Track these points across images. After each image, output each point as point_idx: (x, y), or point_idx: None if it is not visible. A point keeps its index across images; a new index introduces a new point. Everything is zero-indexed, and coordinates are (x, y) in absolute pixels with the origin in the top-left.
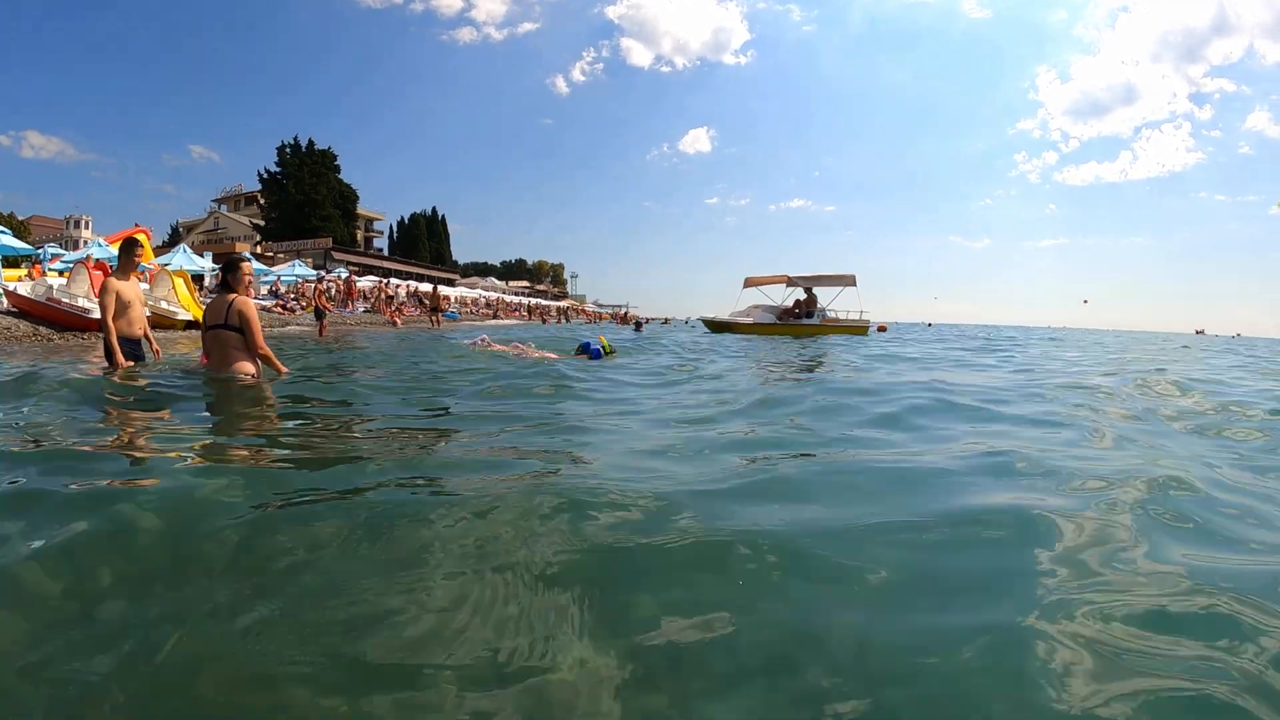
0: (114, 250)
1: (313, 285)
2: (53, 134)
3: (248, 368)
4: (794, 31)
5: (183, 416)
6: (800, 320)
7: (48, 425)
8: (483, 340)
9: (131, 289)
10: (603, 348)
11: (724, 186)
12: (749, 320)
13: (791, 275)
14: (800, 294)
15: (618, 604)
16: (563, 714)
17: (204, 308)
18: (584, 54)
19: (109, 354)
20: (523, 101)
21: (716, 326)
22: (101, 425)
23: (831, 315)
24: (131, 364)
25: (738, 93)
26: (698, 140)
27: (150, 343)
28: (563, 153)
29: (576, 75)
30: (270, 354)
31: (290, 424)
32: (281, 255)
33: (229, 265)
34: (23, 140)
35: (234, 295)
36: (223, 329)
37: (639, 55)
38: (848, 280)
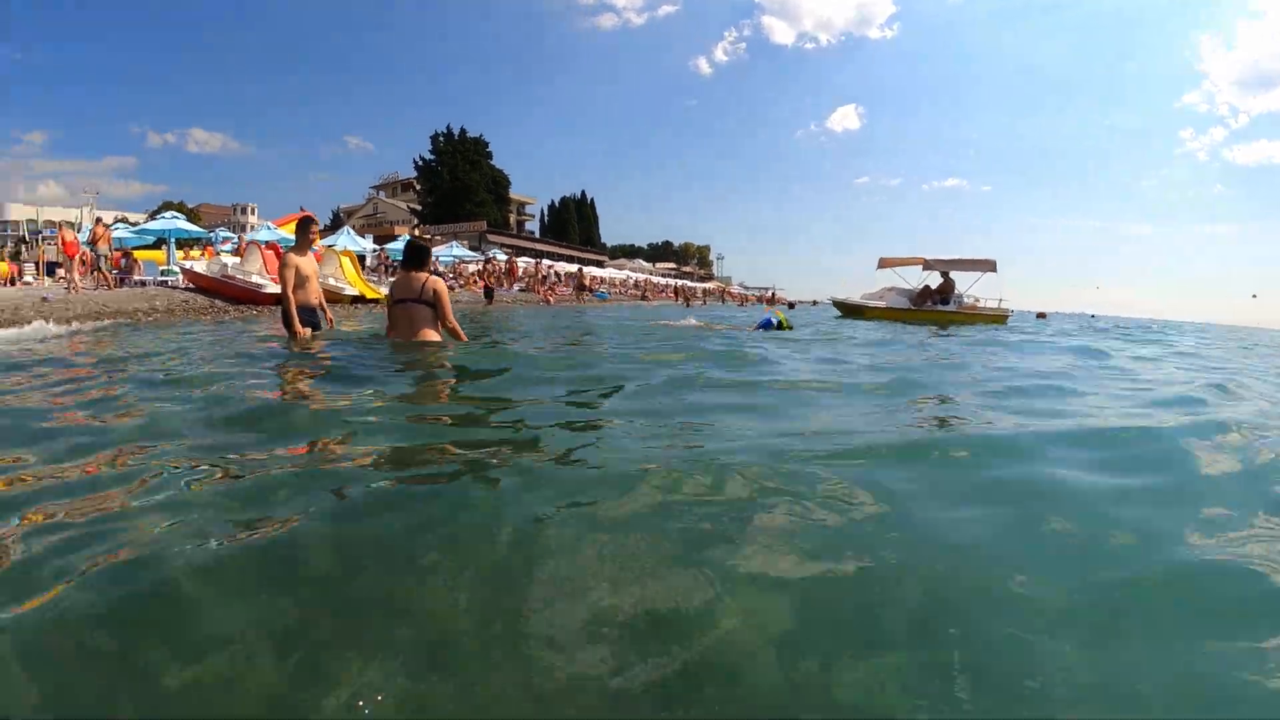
0: (282, 233)
1: (480, 266)
2: (215, 130)
3: (434, 336)
4: (940, 2)
5: (375, 384)
6: (936, 306)
7: (256, 381)
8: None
9: (309, 263)
10: (780, 322)
11: (874, 166)
12: (882, 304)
13: (928, 257)
14: (937, 278)
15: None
16: None
17: (389, 285)
18: (725, 34)
19: (287, 322)
20: (666, 84)
21: (847, 309)
22: (300, 385)
23: (970, 301)
24: (308, 331)
25: (885, 68)
26: (846, 118)
27: (324, 312)
28: (708, 134)
29: (719, 55)
30: (457, 327)
31: (487, 390)
32: (439, 238)
33: (421, 250)
34: (188, 137)
35: (425, 274)
36: (416, 303)
37: (781, 33)
38: (988, 265)
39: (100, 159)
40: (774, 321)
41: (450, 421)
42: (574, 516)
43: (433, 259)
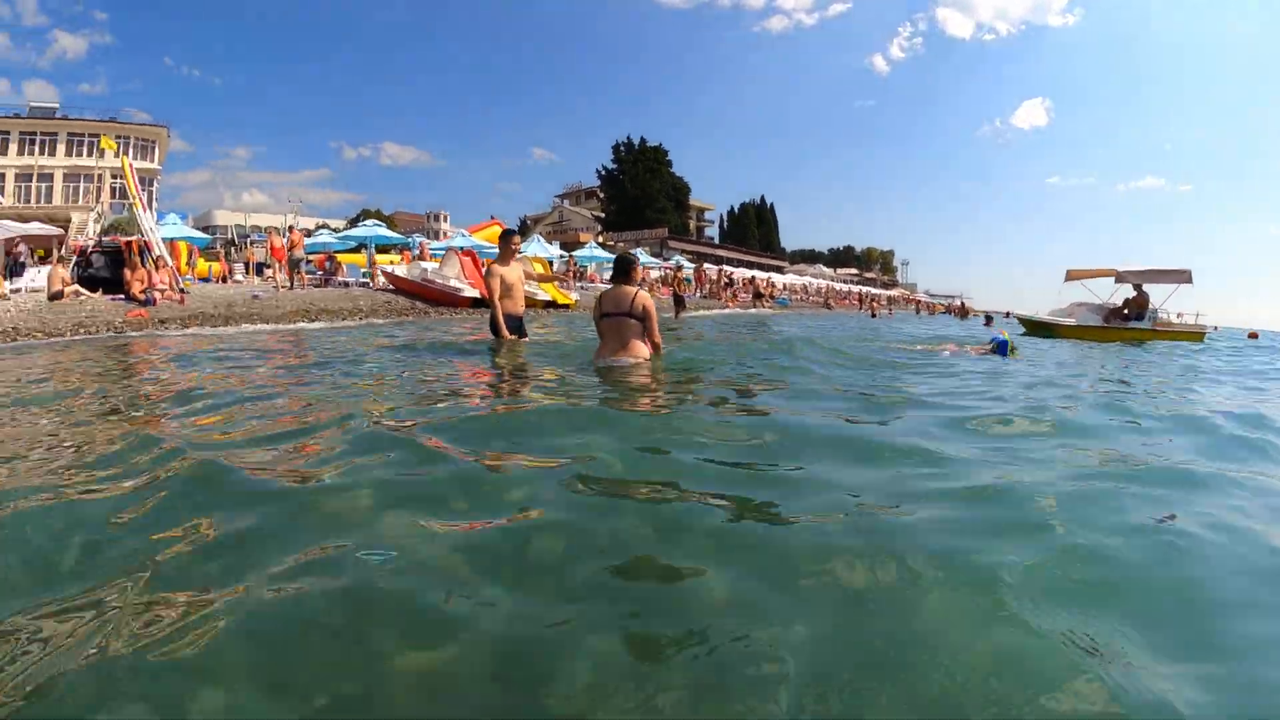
0: (475, 239)
1: (669, 272)
2: (407, 144)
3: (642, 351)
4: None
5: (585, 388)
6: (1129, 323)
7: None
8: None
9: (513, 272)
10: (1010, 346)
11: (1065, 164)
12: (1071, 321)
13: (1120, 269)
14: (1129, 291)
15: None
16: None
17: (578, 290)
18: (900, 29)
19: (494, 328)
20: (842, 84)
21: (1034, 326)
22: (510, 386)
23: (1163, 318)
24: (514, 337)
25: (1069, 57)
26: (1031, 113)
27: (524, 320)
28: (888, 134)
29: (895, 52)
30: (660, 342)
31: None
32: (621, 245)
33: (629, 262)
34: (381, 150)
35: (635, 289)
36: (626, 317)
37: (958, 25)
38: (1183, 276)
39: (299, 171)
40: (1005, 344)
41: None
42: None
43: (641, 267)
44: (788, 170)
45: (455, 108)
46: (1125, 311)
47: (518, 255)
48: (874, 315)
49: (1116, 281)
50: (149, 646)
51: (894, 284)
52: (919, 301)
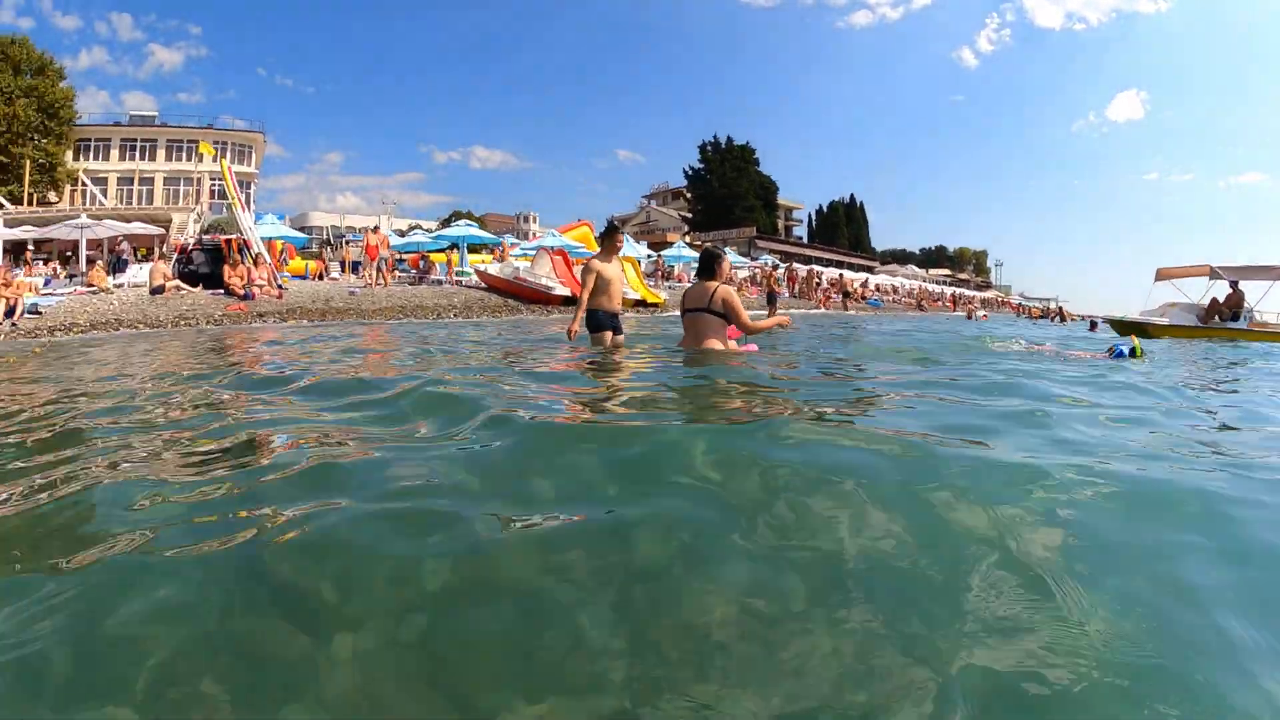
0: (565, 239)
1: (758, 272)
2: (494, 148)
3: (718, 345)
4: None
5: (673, 383)
6: (1225, 324)
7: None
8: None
9: (613, 269)
10: (1135, 349)
11: (1162, 159)
12: (1164, 321)
13: (1215, 266)
14: (1223, 289)
15: None
16: None
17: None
18: (987, 21)
19: (587, 321)
20: (930, 79)
21: (1125, 327)
22: (596, 382)
23: (1258, 318)
24: (609, 334)
25: (1164, 45)
26: (1127, 105)
27: (620, 318)
28: (978, 130)
29: (983, 45)
30: (757, 326)
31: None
32: (707, 243)
33: (711, 257)
34: (470, 154)
35: (715, 283)
36: (704, 313)
37: (1047, 15)
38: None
39: (392, 174)
40: (1127, 350)
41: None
42: None
43: (728, 264)
44: (877, 168)
45: (541, 111)
46: (1219, 311)
47: (619, 254)
48: (970, 317)
49: (1210, 279)
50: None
51: (987, 286)
52: (1017, 306)
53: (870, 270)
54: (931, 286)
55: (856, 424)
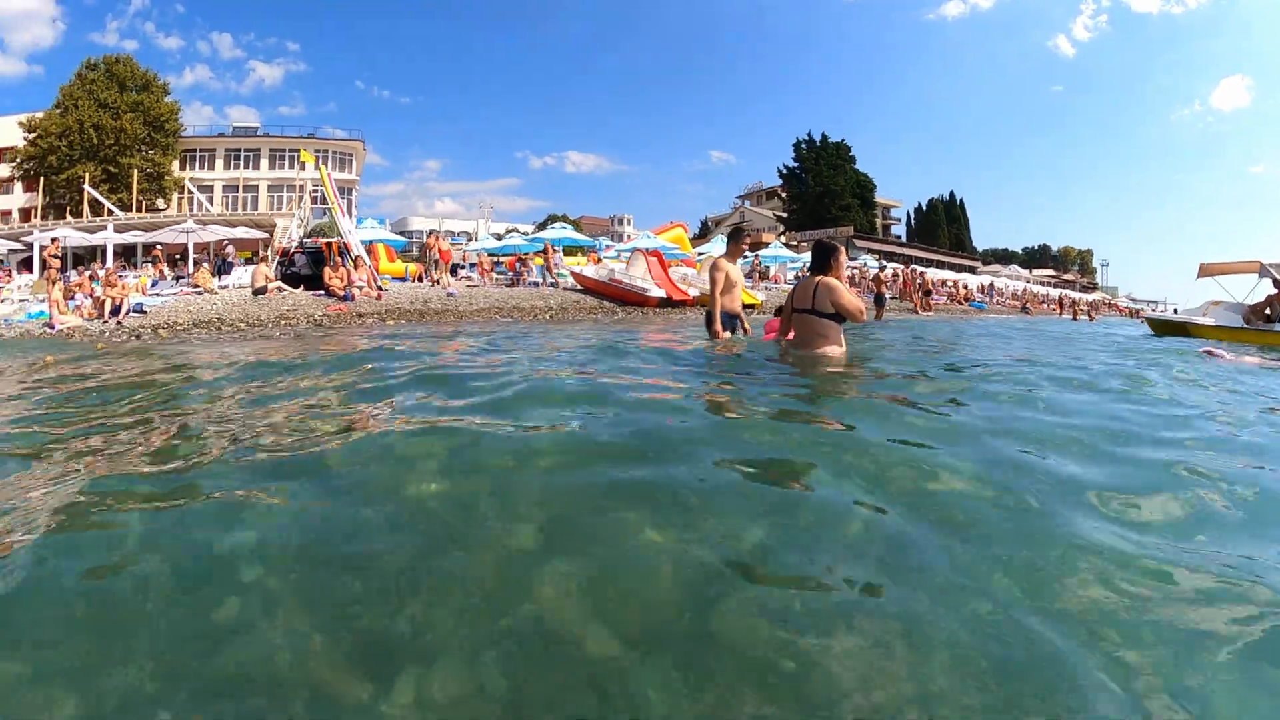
0: (660, 241)
1: (873, 273)
2: (588, 152)
3: (831, 347)
4: None
5: (779, 387)
6: (1273, 325)
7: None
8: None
9: (736, 271)
10: None
11: (1270, 150)
12: (1209, 321)
13: (1265, 263)
14: (1271, 287)
15: None
16: None
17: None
18: (1082, 7)
19: (709, 323)
20: (1026, 70)
21: (1164, 328)
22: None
23: None
24: (729, 334)
25: (1268, 27)
26: (1232, 93)
27: (741, 321)
28: (1079, 121)
29: (1079, 32)
30: (850, 309)
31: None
32: (804, 244)
33: (823, 249)
34: (565, 159)
35: (821, 278)
36: (809, 313)
37: None
38: None
39: (488, 180)
40: None
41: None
42: None
43: (844, 257)
44: (976, 163)
45: (634, 115)
46: (1269, 311)
47: (744, 257)
48: (1089, 318)
49: (1260, 275)
50: None
51: (1093, 287)
52: (1125, 309)
53: (972, 271)
54: (1036, 288)
55: None
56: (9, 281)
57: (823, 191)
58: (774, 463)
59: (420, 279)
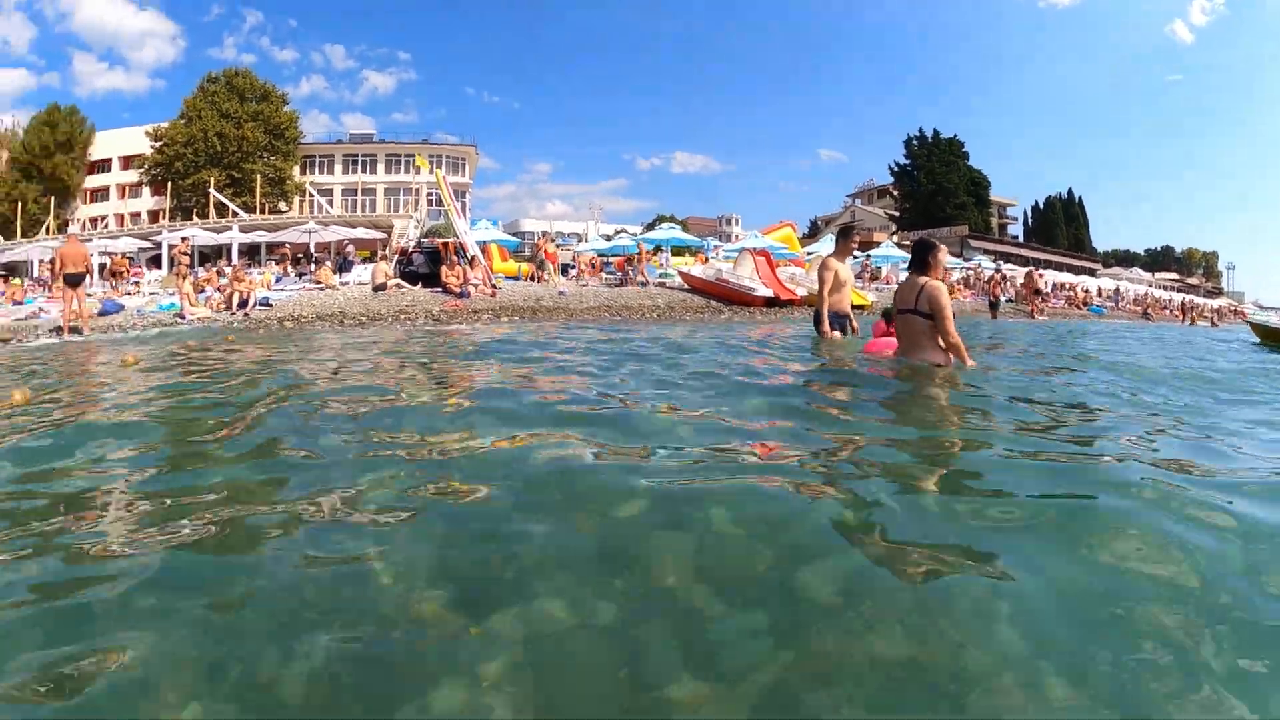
0: (768, 241)
1: (988, 274)
2: (696, 153)
3: (936, 357)
4: None
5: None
6: None
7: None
8: None
9: (846, 271)
10: None
11: None
12: None
13: None
14: None
15: None
16: None
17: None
18: None
19: (818, 323)
20: (1143, 58)
21: (1270, 334)
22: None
23: None
24: (837, 334)
25: None
26: None
27: (851, 321)
28: (1200, 112)
29: (1196, 17)
30: (959, 344)
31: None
32: (923, 236)
33: (924, 248)
34: (672, 160)
35: (925, 279)
36: (911, 314)
37: None
38: None
39: (597, 182)
40: None
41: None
42: None
43: (944, 255)
44: (1093, 159)
45: (741, 114)
46: None
47: (853, 256)
48: (1212, 324)
49: None
50: None
51: (1218, 292)
52: (1243, 313)
53: (1091, 273)
54: (1157, 292)
55: None
56: (141, 277)
57: (935, 189)
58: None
59: (531, 278)
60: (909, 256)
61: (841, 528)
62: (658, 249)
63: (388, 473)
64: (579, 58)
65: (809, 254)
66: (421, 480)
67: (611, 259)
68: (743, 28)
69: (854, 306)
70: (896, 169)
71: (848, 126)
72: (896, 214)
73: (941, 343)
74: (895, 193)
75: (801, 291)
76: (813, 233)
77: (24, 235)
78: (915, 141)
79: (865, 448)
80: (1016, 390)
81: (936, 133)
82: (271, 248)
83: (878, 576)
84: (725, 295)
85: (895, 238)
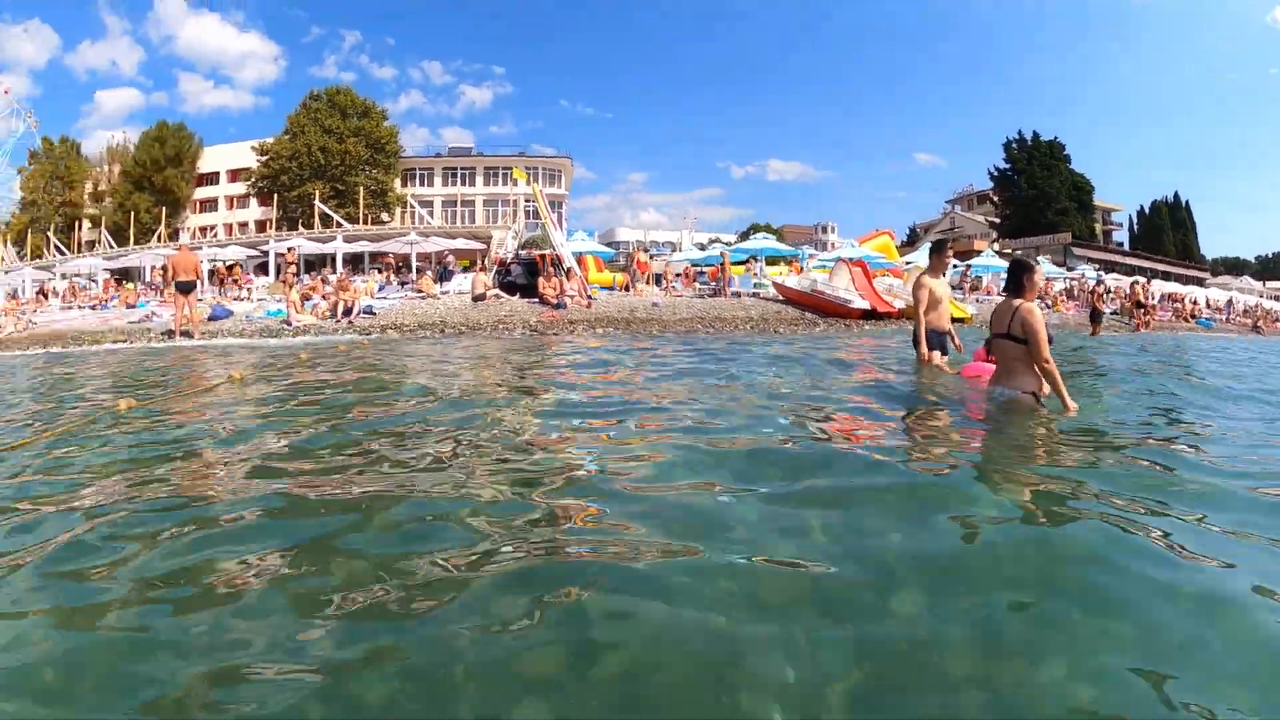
0: (865, 250)
1: (1090, 285)
2: (790, 159)
3: (1031, 384)
4: None
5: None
6: None
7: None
8: None
9: (942, 286)
10: None
11: None
12: None
13: None
14: None
15: None
16: None
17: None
18: None
19: (916, 342)
20: (1243, 50)
21: None
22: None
23: None
24: (937, 354)
25: None
26: None
27: (953, 338)
28: None
29: None
30: (1053, 370)
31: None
32: (1019, 251)
33: (1018, 268)
34: (766, 167)
35: (1019, 302)
36: (1005, 339)
37: None
38: None
39: (691, 190)
40: None
41: None
42: None
43: (1039, 276)
44: (1197, 159)
45: (835, 120)
46: None
47: (949, 269)
48: None
49: None
50: None
51: None
52: None
53: (1200, 282)
54: (1269, 304)
55: None
56: (251, 284)
57: (1036, 194)
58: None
59: (626, 289)
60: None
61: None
62: (752, 259)
63: None
64: (669, 67)
65: (907, 264)
66: None
67: (705, 268)
68: (833, 27)
69: (953, 320)
70: (996, 173)
71: (945, 130)
72: (997, 220)
73: (1034, 371)
74: (995, 198)
75: (899, 304)
76: (911, 240)
77: (136, 242)
78: (1014, 145)
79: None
80: (1116, 440)
81: (1036, 135)
82: (374, 257)
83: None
84: (820, 307)
85: (996, 245)
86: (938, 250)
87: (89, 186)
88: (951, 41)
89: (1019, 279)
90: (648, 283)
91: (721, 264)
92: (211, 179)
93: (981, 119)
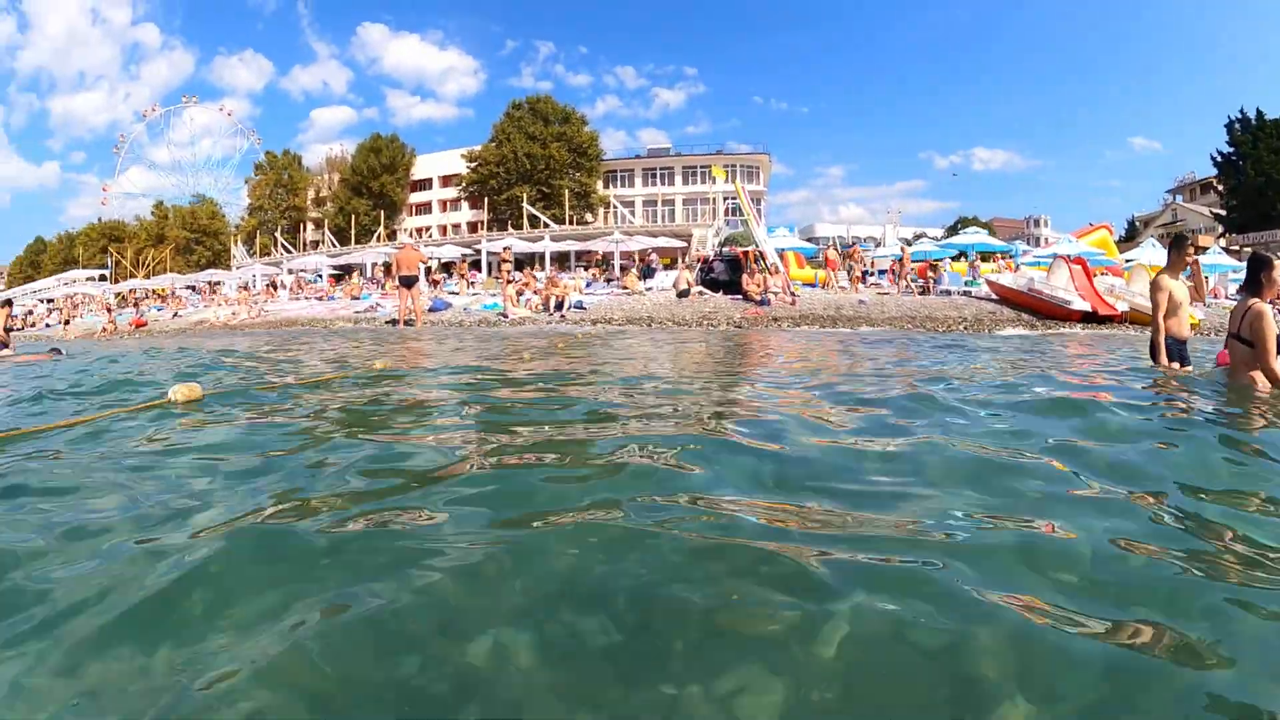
0: (1082, 246)
1: None
2: (996, 147)
3: (1258, 381)
4: None
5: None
6: None
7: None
8: None
9: (1181, 289)
10: None
11: None
12: None
13: None
14: None
15: None
16: None
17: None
18: None
19: (1154, 352)
20: None
21: None
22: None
23: None
24: (1177, 366)
25: None
26: None
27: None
28: None
29: None
30: (1275, 370)
31: None
32: (1246, 248)
33: (1257, 264)
34: (971, 156)
35: (1253, 301)
36: (1235, 339)
37: None
38: None
39: (893, 184)
40: None
41: None
42: None
43: (1276, 275)
44: None
45: (1042, 104)
46: None
47: (1188, 269)
48: None
49: None
50: None
51: None
52: None
53: None
54: None
55: None
56: (476, 279)
57: (1265, 182)
58: None
59: (826, 286)
60: (1238, 265)
61: None
62: (961, 255)
63: None
64: (863, 57)
65: (1128, 261)
66: None
67: (913, 265)
68: (1034, 6)
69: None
70: (1220, 158)
71: (1163, 109)
72: (1223, 213)
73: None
74: (1219, 187)
75: (1123, 306)
76: (1130, 235)
77: (357, 242)
78: (1237, 125)
79: None
80: None
81: (1261, 114)
82: (580, 255)
83: None
84: (1037, 307)
85: (1222, 241)
86: (1177, 247)
87: (311, 193)
88: (1165, 8)
89: (1255, 275)
90: (852, 280)
91: (902, 259)
92: (424, 184)
93: (1202, 97)
